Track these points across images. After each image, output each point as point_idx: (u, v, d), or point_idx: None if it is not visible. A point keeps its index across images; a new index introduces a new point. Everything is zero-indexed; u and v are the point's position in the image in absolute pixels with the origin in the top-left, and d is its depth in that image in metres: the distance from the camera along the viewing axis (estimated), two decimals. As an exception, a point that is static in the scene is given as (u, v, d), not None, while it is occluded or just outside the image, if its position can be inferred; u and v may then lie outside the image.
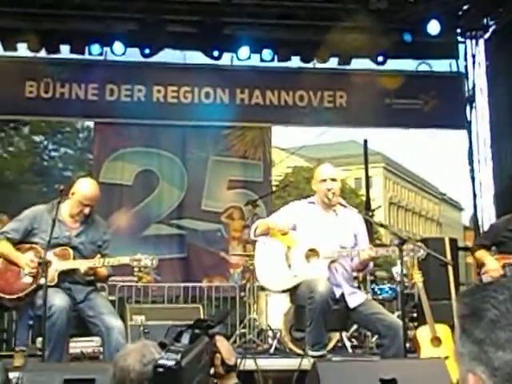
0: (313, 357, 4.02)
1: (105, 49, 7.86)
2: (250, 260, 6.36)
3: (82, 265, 4.23)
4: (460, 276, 7.03)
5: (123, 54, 7.81)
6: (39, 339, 4.62)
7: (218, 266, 8.39)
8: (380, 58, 8.15)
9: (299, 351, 5.32)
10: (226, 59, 8.22)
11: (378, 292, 6.89)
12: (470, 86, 8.52)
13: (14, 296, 4.23)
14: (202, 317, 5.95)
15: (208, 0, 7.65)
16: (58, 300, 4.02)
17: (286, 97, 8.47)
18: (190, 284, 7.83)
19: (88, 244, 4.37)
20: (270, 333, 6.10)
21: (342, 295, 4.23)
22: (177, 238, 8.38)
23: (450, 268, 5.92)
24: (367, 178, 9.98)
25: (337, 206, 4.40)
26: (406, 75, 8.61)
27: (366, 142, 9.34)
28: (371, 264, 4.43)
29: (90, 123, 11.76)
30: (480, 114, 8.43)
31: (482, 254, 5.24)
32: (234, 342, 6.19)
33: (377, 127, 9.13)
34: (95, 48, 7.78)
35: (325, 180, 4.34)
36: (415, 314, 6.35)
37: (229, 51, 8.09)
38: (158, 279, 7.86)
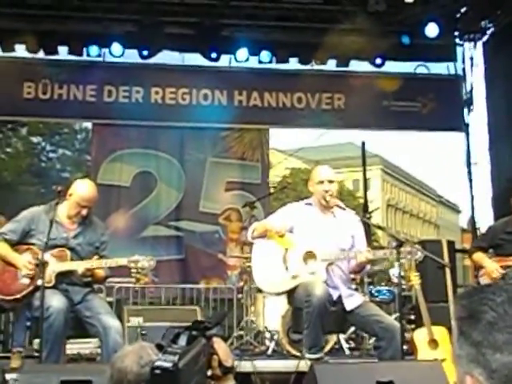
0: (310, 359, 4.01)
1: (103, 50, 7.87)
2: (247, 262, 6.35)
3: (80, 266, 4.22)
4: (457, 278, 7.03)
5: (121, 55, 7.83)
6: (36, 340, 4.62)
7: (215, 267, 8.39)
8: (378, 61, 8.16)
9: (297, 353, 5.30)
10: (224, 61, 8.23)
11: (376, 294, 6.88)
12: (468, 89, 8.53)
13: (12, 297, 4.22)
14: (199, 318, 5.94)
15: (206, 2, 7.66)
16: (56, 301, 4.02)
17: (284, 99, 8.46)
18: (188, 286, 7.85)
19: (85, 245, 4.37)
20: (267, 335, 6.10)
21: (340, 297, 4.23)
22: (174, 239, 8.37)
23: (448, 270, 5.91)
24: (365, 180, 10.01)
25: (334, 207, 4.39)
26: (404, 77, 8.63)
27: (363, 144, 9.37)
28: (368, 266, 4.43)
29: (88, 124, 11.79)
30: (478, 117, 8.46)
31: (479, 256, 5.25)
32: (232, 343, 6.17)
33: (375, 129, 9.13)
34: (93, 49, 7.78)
35: (322, 182, 4.34)
36: (413, 316, 6.35)
37: (227, 53, 8.09)
38: (155, 281, 7.82)
